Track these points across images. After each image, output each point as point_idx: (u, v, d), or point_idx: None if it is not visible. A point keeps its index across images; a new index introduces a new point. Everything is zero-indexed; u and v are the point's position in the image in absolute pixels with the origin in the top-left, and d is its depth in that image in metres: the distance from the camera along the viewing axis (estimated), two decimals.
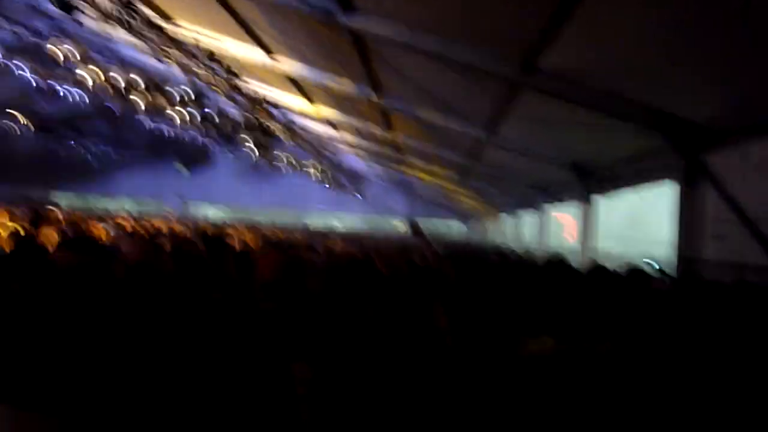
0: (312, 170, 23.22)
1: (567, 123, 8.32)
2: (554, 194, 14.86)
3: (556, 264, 7.62)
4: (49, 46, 10.34)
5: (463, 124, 10.60)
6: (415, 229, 4.76)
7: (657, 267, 8.02)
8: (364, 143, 18.16)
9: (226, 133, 14.89)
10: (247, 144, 15.83)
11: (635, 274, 6.13)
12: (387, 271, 5.63)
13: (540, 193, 15.50)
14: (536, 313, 3.36)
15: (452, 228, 36.93)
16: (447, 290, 4.10)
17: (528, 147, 10.87)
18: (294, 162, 22.76)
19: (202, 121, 12.68)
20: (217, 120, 13.06)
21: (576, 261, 9.07)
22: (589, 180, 11.30)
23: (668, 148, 7.37)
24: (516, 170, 14.05)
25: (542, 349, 2.67)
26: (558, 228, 16.52)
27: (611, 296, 4.25)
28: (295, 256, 5.34)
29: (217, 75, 10.36)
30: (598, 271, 7.00)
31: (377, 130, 14.19)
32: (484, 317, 3.67)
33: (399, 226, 36.86)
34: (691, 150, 7.17)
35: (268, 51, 10.26)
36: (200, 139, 19.63)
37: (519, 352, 2.63)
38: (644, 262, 8.78)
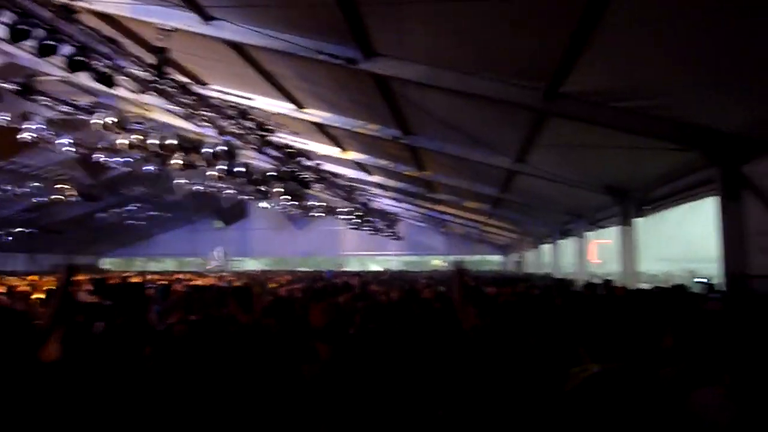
0: (346, 216, 23.40)
1: (597, 146, 8.28)
2: (591, 219, 14.66)
3: (592, 290, 7.53)
4: (88, 118, 10.89)
5: (491, 155, 10.65)
6: (457, 273, 4.77)
7: (707, 285, 7.80)
8: (396, 184, 18.34)
9: (260, 187, 15.25)
10: (281, 195, 16.14)
11: (679, 293, 5.99)
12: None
13: (576, 220, 15.30)
14: (574, 342, 3.29)
15: (490, 262, 36.53)
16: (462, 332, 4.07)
17: (559, 173, 10.82)
18: (327, 209, 23.00)
19: (236, 177, 13.02)
20: (250, 175, 13.40)
21: (618, 285, 8.89)
22: (627, 202, 11.13)
23: (705, 162, 7.26)
24: (550, 198, 13.95)
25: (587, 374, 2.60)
26: (598, 253, 16.20)
27: (653, 317, 4.14)
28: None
29: (251, 131, 10.71)
30: (639, 294, 6.87)
31: (408, 170, 14.34)
32: (516, 353, 3.61)
33: (438, 264, 36.67)
34: (729, 162, 7.04)
35: (297, 103, 10.61)
36: (235, 194, 20.11)
37: (566, 386, 2.55)
38: (695, 281, 8.55)
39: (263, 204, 23.24)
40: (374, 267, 37.39)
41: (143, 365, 2.74)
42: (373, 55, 7.00)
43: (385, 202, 24.94)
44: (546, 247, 21.38)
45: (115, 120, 9.94)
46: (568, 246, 17.57)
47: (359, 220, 24.43)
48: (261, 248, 36.98)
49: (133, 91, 8.92)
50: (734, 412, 2.33)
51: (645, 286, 9.91)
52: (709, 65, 5.27)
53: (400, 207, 26.03)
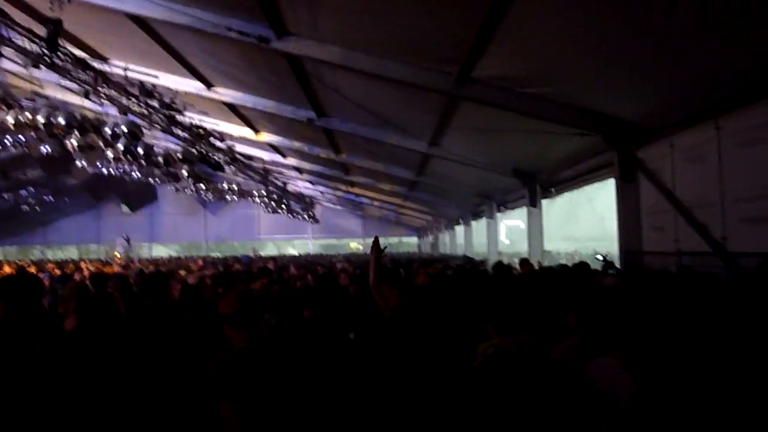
0: (261, 199, 22.92)
1: (506, 130, 8.54)
2: (501, 201, 15.19)
3: (501, 269, 7.83)
4: None
5: (406, 138, 10.74)
6: (375, 247, 4.96)
7: (603, 262, 8.30)
8: (312, 167, 18.14)
9: (169, 169, 14.58)
10: (191, 178, 15.53)
11: (581, 270, 6.33)
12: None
13: (487, 202, 15.80)
14: (483, 320, 3.40)
15: (406, 244, 37.14)
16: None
17: (471, 157, 11.09)
18: (242, 192, 22.43)
19: (142, 159, 12.35)
20: (158, 157, 12.75)
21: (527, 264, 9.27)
22: (533, 184, 11.61)
23: (605, 146, 7.68)
24: (462, 181, 14.30)
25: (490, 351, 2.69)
26: (509, 233, 16.84)
27: (558, 293, 4.35)
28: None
29: (156, 111, 10.17)
30: (544, 272, 7.21)
31: (323, 153, 14.21)
32: (430, 333, 3.70)
33: (355, 247, 36.81)
34: (625, 146, 7.50)
35: (206, 82, 10.18)
36: (142, 177, 19.08)
37: (472, 361, 2.62)
38: (595, 258, 9.06)
39: (173, 187, 22.31)
40: (292, 251, 37.00)
41: (32, 362, 2.53)
42: (286, 35, 6.82)
43: (301, 185, 24.65)
44: (459, 229, 21.99)
45: (2, 97, 9.12)
46: (480, 227, 18.14)
47: (275, 204, 24.03)
48: (171, 234, 35.56)
49: (21, 65, 8.20)
50: (629, 380, 2.49)
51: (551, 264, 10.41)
52: (609, 56, 5.53)
53: (316, 190, 25.83)
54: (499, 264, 8.44)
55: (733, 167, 5.81)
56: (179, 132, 11.44)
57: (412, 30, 6.13)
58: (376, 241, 4.69)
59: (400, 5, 5.63)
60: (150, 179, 19.48)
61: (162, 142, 14.43)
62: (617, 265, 7.86)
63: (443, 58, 6.41)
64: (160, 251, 36.09)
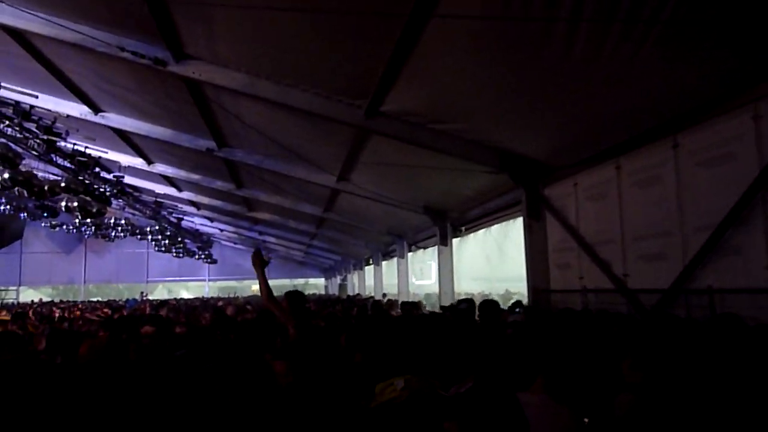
0: (153, 237, 21.96)
1: (416, 166, 8.83)
2: (412, 240, 15.50)
3: (408, 310, 8.03)
4: None
5: (314, 172, 10.80)
6: (257, 259, 5.09)
7: (515, 302, 8.68)
8: (211, 202, 17.71)
9: (44, 202, 13.69)
10: (71, 212, 14.64)
11: (489, 307, 6.59)
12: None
13: (398, 240, 16.08)
14: (388, 359, 3.46)
15: (313, 284, 36.80)
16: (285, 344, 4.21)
17: (381, 193, 11.30)
18: (131, 229, 21.38)
19: (12, 189, 11.48)
20: (32, 186, 11.91)
21: (435, 303, 9.52)
22: (444, 222, 11.99)
23: (513, 184, 8.13)
24: (372, 217, 14.49)
25: (394, 394, 2.75)
26: (418, 272, 17.14)
27: (464, 333, 4.53)
28: None
29: (33, 135, 9.58)
30: (449, 311, 7.44)
31: (224, 186, 13.95)
32: (329, 368, 3.74)
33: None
34: (532, 184, 7.98)
35: (94, 106, 9.78)
36: (10, 210, 17.69)
37: (371, 402, 2.67)
38: (502, 298, 9.44)
39: (47, 223, 20.89)
40: (185, 294, 35.52)
41: None
42: (186, 57, 6.75)
43: (198, 222, 23.92)
44: (369, 269, 22.12)
45: None
46: (391, 267, 18.36)
47: (168, 242, 23.12)
48: (43, 275, 33.14)
49: None
50: (567, 414, 2.65)
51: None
52: (513, 96, 5.92)
53: (215, 227, 25.16)
54: (407, 303, 8.61)
55: (632, 206, 6.34)
56: (60, 160, 10.81)
57: (319, 61, 6.27)
58: (257, 254, 4.87)
59: (303, 37, 5.73)
60: (20, 213, 18.17)
61: (37, 171, 13.55)
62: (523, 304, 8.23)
63: (352, 90, 6.59)
64: (30, 295, 33.43)
